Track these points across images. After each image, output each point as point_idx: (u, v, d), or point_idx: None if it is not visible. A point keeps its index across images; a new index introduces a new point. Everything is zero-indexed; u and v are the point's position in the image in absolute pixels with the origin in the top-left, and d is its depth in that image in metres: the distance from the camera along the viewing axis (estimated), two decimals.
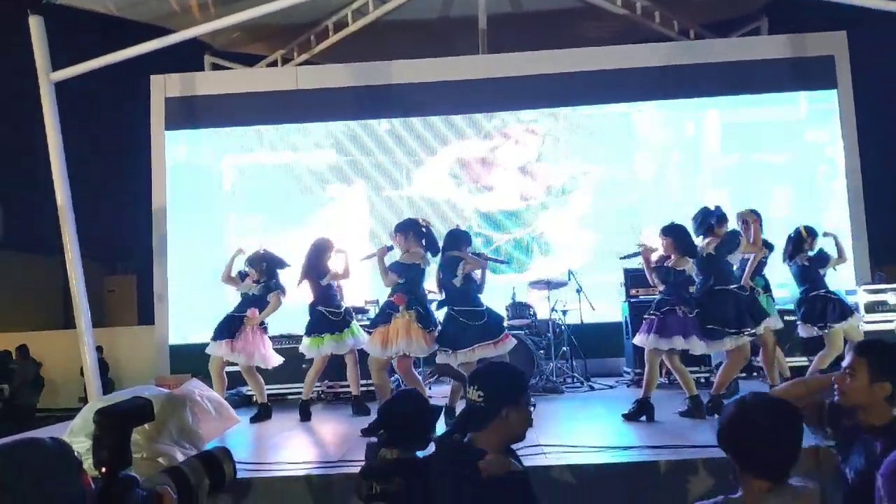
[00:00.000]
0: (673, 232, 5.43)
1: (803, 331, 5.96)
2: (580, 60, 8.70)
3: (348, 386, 6.40)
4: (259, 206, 8.80)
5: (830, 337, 5.80)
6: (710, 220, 5.44)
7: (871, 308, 6.95)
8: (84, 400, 8.29)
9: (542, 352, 7.02)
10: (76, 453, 1.14)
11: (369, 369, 5.49)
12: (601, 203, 8.60)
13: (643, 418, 5.25)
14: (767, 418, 1.89)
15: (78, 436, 4.15)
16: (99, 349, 10.25)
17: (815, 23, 8.39)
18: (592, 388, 7.20)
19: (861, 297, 6.99)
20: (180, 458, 4.18)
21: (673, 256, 5.39)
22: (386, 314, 5.36)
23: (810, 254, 5.95)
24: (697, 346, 5.31)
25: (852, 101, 8.41)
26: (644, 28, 9.27)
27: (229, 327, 6.09)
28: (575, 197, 8.67)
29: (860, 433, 2.29)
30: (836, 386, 2.33)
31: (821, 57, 8.54)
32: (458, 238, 5.50)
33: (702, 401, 5.28)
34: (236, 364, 6.21)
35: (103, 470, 1.13)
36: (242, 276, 6.34)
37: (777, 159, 8.57)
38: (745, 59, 8.60)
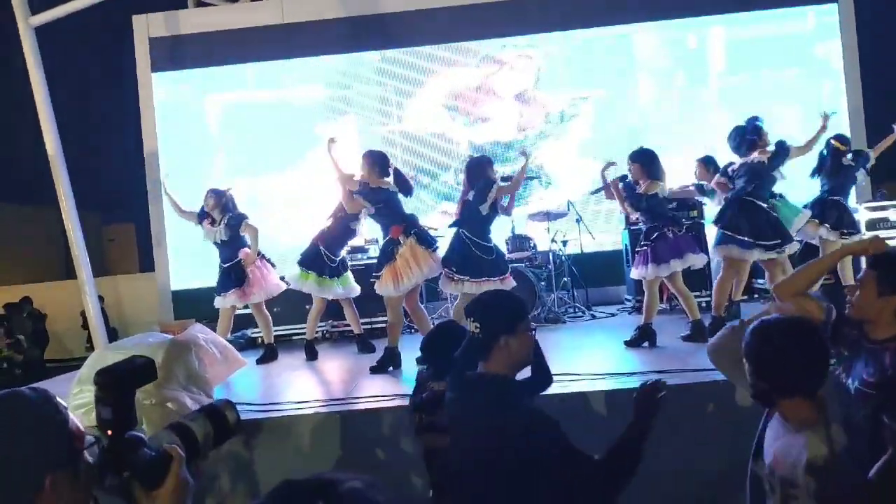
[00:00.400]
0: (639, 157, 5.40)
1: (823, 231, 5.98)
2: None
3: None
4: (249, 146, 8.66)
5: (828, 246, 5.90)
6: (750, 136, 5.36)
7: (873, 225, 6.98)
8: (90, 348, 8.41)
9: (543, 283, 7.05)
10: (62, 405, 1.13)
11: (386, 308, 5.49)
12: (601, 129, 8.47)
13: (645, 344, 5.32)
14: (794, 340, 1.90)
15: (86, 384, 4.18)
16: (100, 299, 10.31)
17: None
18: (594, 317, 7.27)
19: (863, 215, 7.01)
20: (189, 402, 4.23)
21: (642, 182, 5.36)
22: (388, 252, 5.35)
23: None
24: (696, 261, 5.39)
25: (853, 15, 8.20)
26: None
27: (229, 277, 6.09)
28: (574, 124, 8.53)
29: (865, 345, 2.31)
30: (847, 298, 2.36)
31: None
32: (483, 164, 5.44)
33: (704, 324, 5.33)
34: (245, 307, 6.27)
35: (108, 431, 1.12)
36: (202, 215, 6.24)
37: (782, 77, 8.40)
38: None
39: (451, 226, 5.52)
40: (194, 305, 7.85)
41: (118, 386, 1.15)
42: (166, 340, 4.58)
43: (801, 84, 8.39)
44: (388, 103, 8.66)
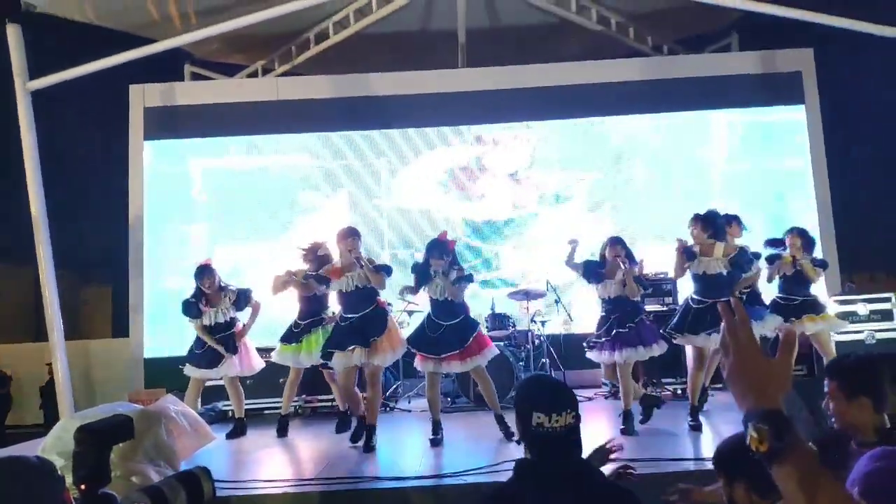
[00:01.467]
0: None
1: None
2: (557, 75, 8.80)
3: (326, 400, 6.40)
4: (237, 217, 8.75)
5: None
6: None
7: (842, 318, 7.07)
8: (49, 415, 8.10)
9: (521, 363, 7.06)
10: (61, 478, 1.15)
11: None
12: (596, 211, 8.68)
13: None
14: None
15: (50, 454, 4.08)
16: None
17: (784, 39, 8.58)
18: None
19: (831, 308, 7.11)
20: (154, 476, 4.13)
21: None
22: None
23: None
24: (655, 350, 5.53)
25: (819, 116, 8.61)
26: (619, 44, 9.41)
27: (212, 356, 6.06)
28: (568, 205, 8.72)
29: (851, 456, 2.30)
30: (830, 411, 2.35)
31: (789, 73, 8.75)
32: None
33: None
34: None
35: (82, 487, 1.13)
36: (197, 297, 6.12)
37: (748, 172, 8.69)
38: (716, 74, 8.78)
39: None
40: (165, 375, 7.73)
41: (96, 443, 1.17)
42: (136, 411, 4.51)
43: (763, 180, 8.67)
44: (379, 177, 8.84)
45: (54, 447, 4.22)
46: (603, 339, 5.50)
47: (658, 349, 5.55)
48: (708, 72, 8.81)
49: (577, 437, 1.89)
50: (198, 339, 6.13)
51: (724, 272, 5.43)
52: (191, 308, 6.07)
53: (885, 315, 7.09)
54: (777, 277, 6.19)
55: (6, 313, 12.81)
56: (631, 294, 5.50)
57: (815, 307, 6.15)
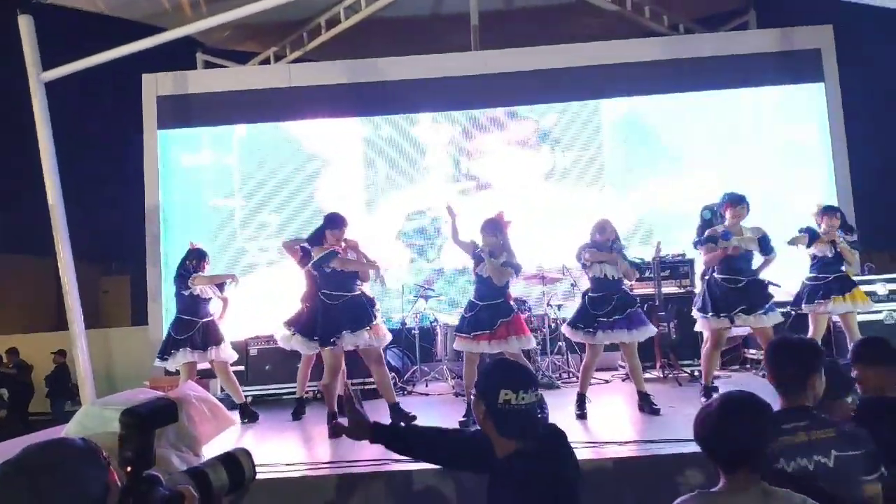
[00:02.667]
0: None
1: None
2: (572, 56, 8.73)
3: (359, 383, 6.45)
4: (251, 205, 8.78)
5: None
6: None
7: None
8: (58, 402, 8.22)
9: (538, 347, 7.06)
10: (104, 459, 1.16)
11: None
12: (592, 195, 8.63)
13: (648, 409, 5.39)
14: (738, 415, 1.95)
15: None
16: (62, 353, 10.04)
17: (802, 16, 8.47)
18: None
19: None
20: (176, 461, 4.16)
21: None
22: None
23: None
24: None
25: (839, 94, 8.51)
26: (635, 23, 9.31)
27: (209, 333, 6.18)
28: (569, 188, 8.68)
29: None
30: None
31: (808, 50, 8.63)
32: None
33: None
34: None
35: (128, 469, 1.15)
36: (186, 269, 6.25)
37: (768, 151, 8.62)
38: (734, 53, 8.67)
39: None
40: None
41: (142, 426, 1.18)
42: (156, 398, 4.54)
43: (783, 158, 8.59)
44: (399, 166, 8.86)
45: (77, 433, 4.25)
46: (613, 318, 5.42)
47: (645, 333, 5.54)
48: (725, 51, 8.69)
49: (542, 413, 2.09)
50: (178, 324, 6.19)
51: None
52: (182, 280, 6.19)
53: None
54: (811, 256, 6.15)
55: (28, 304, 12.97)
56: (628, 277, 5.60)
57: (845, 285, 6.06)
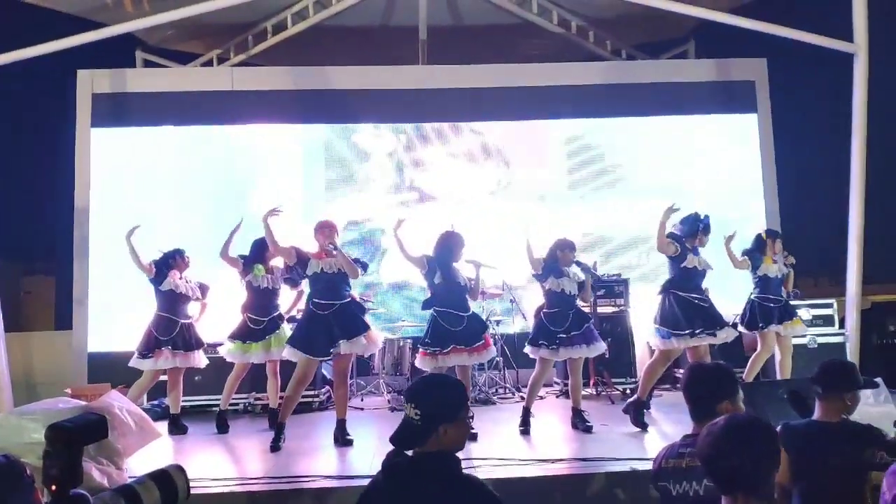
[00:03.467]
0: None
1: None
2: (518, 76, 8.87)
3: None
4: (188, 209, 8.54)
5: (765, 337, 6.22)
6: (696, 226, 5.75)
7: None
8: None
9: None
10: (28, 475, 1.09)
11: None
12: (534, 212, 8.73)
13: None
14: (738, 437, 1.92)
15: None
16: None
17: (739, 48, 8.80)
18: (523, 399, 7.29)
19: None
20: (96, 474, 3.99)
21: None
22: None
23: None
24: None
25: (770, 125, 8.88)
26: (579, 47, 9.52)
27: (183, 336, 6.12)
28: (512, 205, 8.76)
29: None
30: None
31: (743, 82, 8.99)
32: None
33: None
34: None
35: (53, 487, 1.08)
36: (166, 264, 6.17)
37: (705, 176, 8.87)
38: (673, 80, 8.97)
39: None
40: (109, 370, 7.53)
41: (69, 442, 1.12)
42: (78, 407, 4.36)
43: (714, 187, 8.86)
44: (340, 174, 8.76)
45: None
46: (572, 334, 5.53)
47: (600, 348, 5.71)
48: (665, 78, 8.98)
49: (411, 432, 2.08)
50: (158, 322, 6.03)
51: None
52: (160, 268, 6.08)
53: (827, 320, 7.32)
54: (754, 278, 6.37)
55: None
56: (584, 299, 5.74)
57: (789, 311, 6.37)
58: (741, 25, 7.36)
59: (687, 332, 5.49)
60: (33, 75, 7.84)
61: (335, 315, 5.30)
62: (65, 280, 8.56)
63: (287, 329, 6.07)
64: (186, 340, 6.10)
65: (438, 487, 2.02)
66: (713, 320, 5.56)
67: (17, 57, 7.18)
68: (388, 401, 7.26)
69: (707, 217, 5.85)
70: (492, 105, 8.80)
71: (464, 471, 2.13)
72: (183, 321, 6.13)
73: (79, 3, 8.13)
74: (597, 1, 8.15)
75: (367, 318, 5.54)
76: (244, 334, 6.05)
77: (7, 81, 7.49)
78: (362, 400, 7.42)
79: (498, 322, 7.61)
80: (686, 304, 5.59)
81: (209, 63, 9.37)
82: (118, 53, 8.90)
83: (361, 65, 8.90)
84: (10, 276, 7.92)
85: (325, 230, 5.43)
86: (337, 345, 5.24)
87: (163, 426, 5.66)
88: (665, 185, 8.74)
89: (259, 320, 6.06)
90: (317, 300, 5.35)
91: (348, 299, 5.42)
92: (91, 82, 8.53)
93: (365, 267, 5.58)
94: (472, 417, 2.18)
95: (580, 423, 5.51)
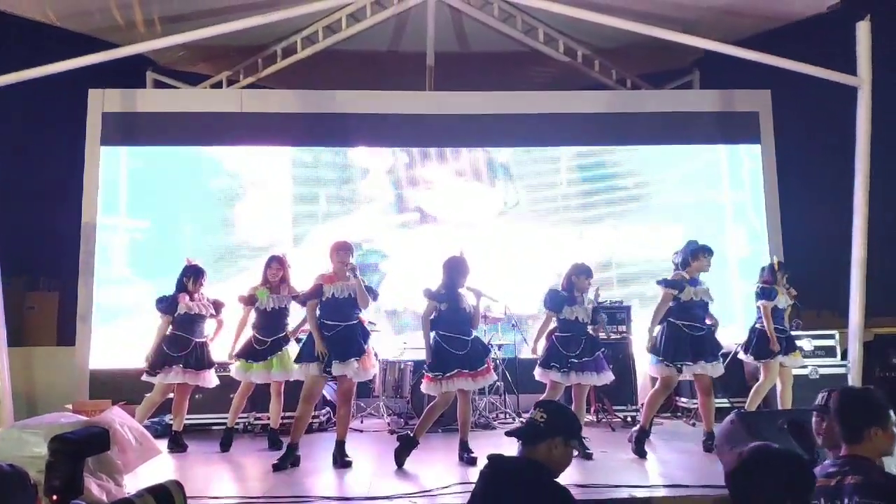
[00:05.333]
0: None
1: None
2: (524, 103, 8.96)
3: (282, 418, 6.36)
4: (193, 231, 8.60)
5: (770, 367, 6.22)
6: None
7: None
8: None
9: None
10: (32, 485, 1.11)
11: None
12: (528, 240, 8.77)
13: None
14: (763, 468, 2.00)
15: None
16: None
17: (743, 79, 8.87)
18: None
19: None
20: (96, 490, 4.00)
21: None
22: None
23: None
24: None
25: (774, 156, 8.91)
26: (584, 76, 9.61)
27: (195, 354, 6.14)
28: (510, 232, 8.79)
29: None
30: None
31: (747, 113, 9.05)
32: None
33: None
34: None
35: (54, 497, 1.10)
36: (179, 285, 6.21)
37: (702, 209, 8.93)
38: (677, 110, 9.04)
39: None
40: (111, 386, 7.55)
41: (72, 454, 1.14)
42: (79, 422, 4.39)
43: (717, 217, 8.93)
44: (341, 196, 8.80)
45: None
46: (584, 360, 5.59)
47: (608, 377, 5.74)
48: (669, 107, 9.07)
49: (532, 430, 2.44)
50: (171, 341, 6.08)
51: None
52: (168, 303, 6.11)
53: (829, 351, 7.34)
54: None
55: None
56: (598, 329, 5.96)
57: (792, 343, 6.45)
58: (746, 57, 7.43)
59: (678, 362, 5.56)
60: (45, 93, 7.95)
61: (338, 336, 5.32)
62: (68, 296, 8.60)
63: (291, 351, 6.06)
64: (199, 359, 6.13)
65: (531, 491, 2.25)
66: (702, 352, 5.60)
67: (32, 75, 7.29)
68: (388, 423, 7.24)
69: (694, 242, 5.89)
70: (498, 131, 8.88)
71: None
72: (197, 340, 6.16)
73: (92, 23, 8.26)
74: (603, 31, 8.24)
75: (370, 345, 5.52)
76: (248, 353, 6.09)
77: (19, 98, 7.60)
78: (362, 422, 7.41)
79: (500, 347, 7.60)
80: (679, 334, 5.64)
81: (218, 85, 9.49)
82: (129, 73, 9.02)
83: (369, 89, 9.00)
84: (14, 291, 7.94)
85: (342, 252, 5.46)
86: (330, 365, 5.24)
87: (163, 443, 5.66)
88: (666, 215, 8.82)
89: (263, 340, 6.10)
90: (324, 321, 5.38)
91: (354, 321, 5.42)
92: (102, 101, 8.64)
93: (376, 296, 5.59)
94: (579, 453, 2.42)
95: (581, 448, 5.48)
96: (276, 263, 6.21)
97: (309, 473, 5.09)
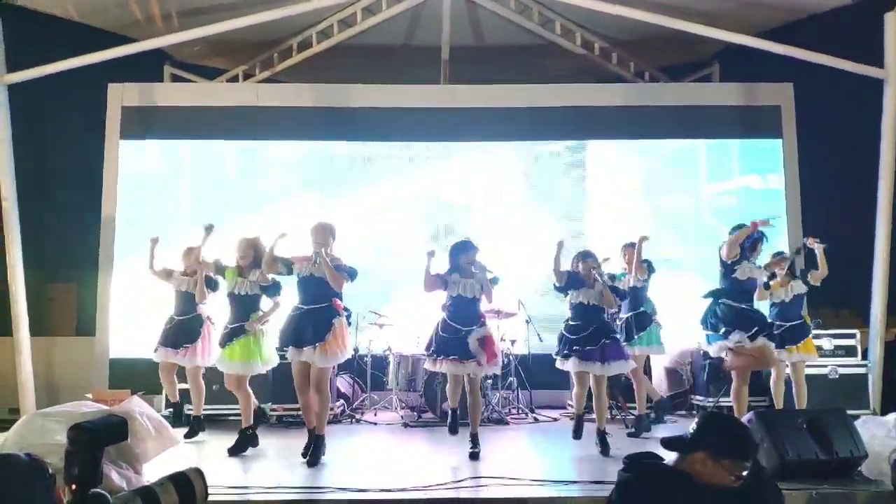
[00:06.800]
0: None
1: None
2: (540, 96, 8.89)
3: (292, 409, 6.35)
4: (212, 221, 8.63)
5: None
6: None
7: None
8: (15, 412, 7.88)
9: (489, 381, 7.07)
10: (50, 474, 1.13)
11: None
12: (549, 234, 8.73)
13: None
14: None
15: (11, 450, 4.00)
16: None
17: (764, 72, 8.75)
18: (537, 420, 7.27)
19: None
20: (116, 478, 4.07)
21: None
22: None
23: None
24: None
25: (795, 150, 8.77)
26: (601, 68, 9.54)
27: (181, 332, 6.16)
28: (525, 227, 8.76)
29: None
30: None
31: (768, 106, 8.92)
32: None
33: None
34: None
35: (73, 487, 1.12)
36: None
37: (724, 202, 8.85)
38: (697, 104, 8.94)
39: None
40: (130, 376, 7.62)
41: (90, 443, 1.15)
42: (100, 411, 4.45)
43: (738, 210, 8.81)
44: (356, 186, 8.83)
45: (16, 444, 4.12)
46: (587, 348, 5.46)
47: (622, 367, 5.62)
48: (688, 101, 8.94)
49: (679, 440, 2.32)
50: (172, 321, 6.19)
51: None
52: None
53: (850, 351, 7.25)
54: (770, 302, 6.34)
55: None
56: (608, 305, 5.61)
57: (799, 334, 6.27)
58: (768, 49, 7.33)
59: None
60: (64, 87, 8.03)
61: (297, 320, 5.17)
62: (87, 287, 8.69)
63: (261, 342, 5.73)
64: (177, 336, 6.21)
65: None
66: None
67: (54, 69, 7.43)
68: (402, 416, 7.27)
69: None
70: (513, 125, 8.83)
71: None
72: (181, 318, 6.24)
73: (111, 18, 8.33)
74: (620, 23, 8.16)
75: (339, 328, 5.16)
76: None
77: (40, 92, 7.69)
78: (376, 415, 7.43)
79: (513, 342, 7.58)
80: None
81: (235, 79, 9.53)
82: (147, 67, 9.09)
83: (384, 83, 8.98)
84: (36, 282, 8.05)
85: (315, 233, 5.24)
86: (287, 349, 5.15)
87: (181, 432, 5.70)
88: (685, 209, 8.76)
89: (226, 326, 5.77)
90: (295, 303, 5.28)
91: (322, 304, 5.16)
92: (121, 95, 8.71)
93: (353, 275, 5.25)
94: (740, 477, 2.17)
95: (602, 444, 5.47)
96: (244, 245, 5.72)
97: (324, 466, 5.10)
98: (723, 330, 5.47)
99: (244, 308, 5.65)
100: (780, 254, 6.61)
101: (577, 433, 5.62)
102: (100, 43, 7.80)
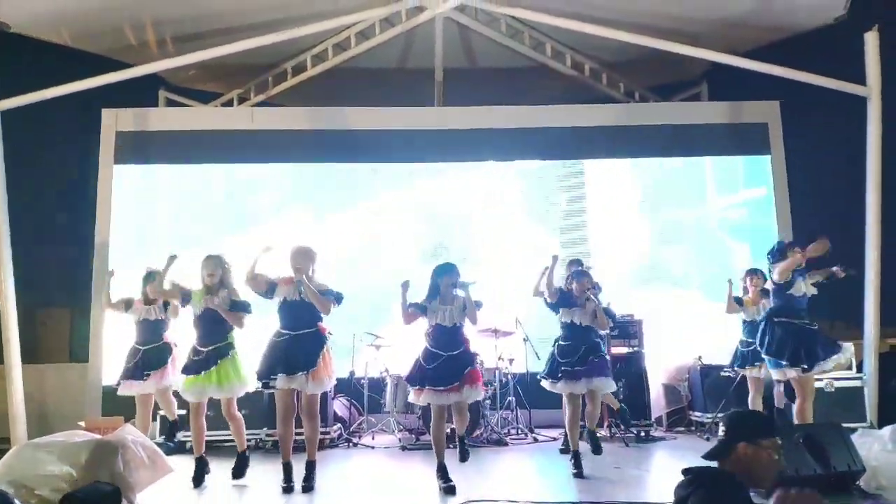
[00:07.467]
0: None
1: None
2: (531, 117, 8.98)
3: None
4: (204, 247, 8.64)
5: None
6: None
7: None
8: (5, 441, 7.81)
9: (487, 401, 7.04)
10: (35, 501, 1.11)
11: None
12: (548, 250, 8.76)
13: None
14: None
15: (1, 482, 3.95)
16: None
17: (752, 90, 8.86)
18: (536, 440, 7.23)
19: None
20: None
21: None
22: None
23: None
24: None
25: (784, 167, 8.87)
26: (592, 89, 9.63)
27: (151, 360, 6.27)
28: (523, 244, 8.78)
29: None
30: None
31: (756, 124, 9.03)
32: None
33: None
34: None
35: None
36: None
37: (712, 220, 8.94)
38: (686, 122, 9.04)
39: None
40: (124, 403, 7.52)
41: None
42: (93, 440, 4.40)
43: (728, 228, 8.93)
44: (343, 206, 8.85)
45: (5, 476, 4.06)
46: (576, 369, 5.44)
47: (607, 386, 5.63)
48: (678, 120, 9.06)
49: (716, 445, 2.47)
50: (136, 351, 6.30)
51: None
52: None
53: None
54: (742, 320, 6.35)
55: None
56: (601, 326, 5.60)
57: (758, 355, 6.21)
58: (755, 69, 7.43)
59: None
60: (59, 111, 8.05)
61: (286, 346, 5.00)
62: (80, 313, 8.64)
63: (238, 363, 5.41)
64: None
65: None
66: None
67: (48, 95, 7.42)
68: (399, 439, 7.22)
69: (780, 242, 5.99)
70: (506, 146, 8.90)
71: None
72: (145, 347, 6.37)
73: (105, 43, 8.37)
74: (610, 44, 8.27)
75: (325, 354, 5.04)
76: (186, 366, 5.44)
77: (33, 117, 7.69)
78: (373, 438, 7.38)
79: (511, 360, 7.56)
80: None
81: (230, 103, 9.57)
82: (142, 92, 9.12)
83: (378, 106, 9.05)
84: (27, 308, 7.99)
85: (295, 258, 5.06)
86: (276, 377, 4.93)
87: (175, 461, 5.62)
88: (677, 226, 8.81)
89: (199, 350, 5.35)
90: (278, 328, 5.09)
91: (309, 330, 5.03)
92: (115, 120, 8.72)
93: (339, 300, 5.10)
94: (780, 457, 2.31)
95: (592, 442, 5.48)
96: (211, 263, 5.39)
97: (320, 492, 5.04)
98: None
99: (214, 328, 5.30)
100: (754, 271, 6.63)
101: (578, 472, 5.33)
102: (94, 68, 7.83)
